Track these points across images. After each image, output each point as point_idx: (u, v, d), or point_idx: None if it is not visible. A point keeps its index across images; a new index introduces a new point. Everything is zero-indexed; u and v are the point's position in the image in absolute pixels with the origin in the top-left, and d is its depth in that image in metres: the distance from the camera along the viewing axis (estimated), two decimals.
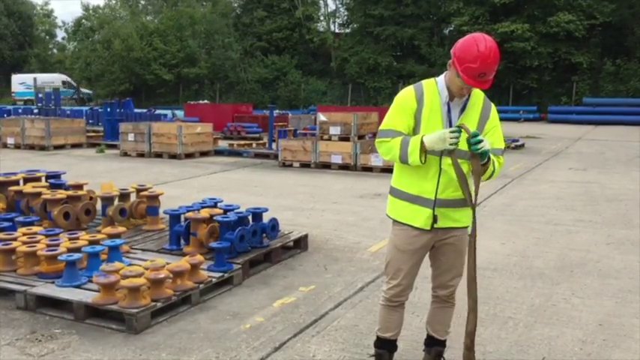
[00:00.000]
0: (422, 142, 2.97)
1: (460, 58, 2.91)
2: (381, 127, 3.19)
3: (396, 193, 3.24)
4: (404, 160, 3.05)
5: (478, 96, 3.14)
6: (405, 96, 3.15)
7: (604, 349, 3.87)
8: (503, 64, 34.19)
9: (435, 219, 3.11)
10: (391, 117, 3.16)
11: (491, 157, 3.04)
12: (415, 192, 3.12)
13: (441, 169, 3.06)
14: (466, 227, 3.22)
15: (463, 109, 3.09)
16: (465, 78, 2.91)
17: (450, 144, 2.91)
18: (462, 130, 2.96)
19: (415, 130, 3.11)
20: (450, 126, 3.07)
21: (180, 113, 25.97)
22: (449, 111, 3.09)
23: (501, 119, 3.27)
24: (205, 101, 34.91)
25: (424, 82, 3.19)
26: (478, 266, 5.46)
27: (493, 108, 3.19)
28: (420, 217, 3.12)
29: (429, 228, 3.12)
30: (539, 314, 4.44)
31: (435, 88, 3.12)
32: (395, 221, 3.25)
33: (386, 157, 3.17)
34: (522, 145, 17.45)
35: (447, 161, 3.04)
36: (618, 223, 7.55)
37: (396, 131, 3.11)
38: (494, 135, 3.15)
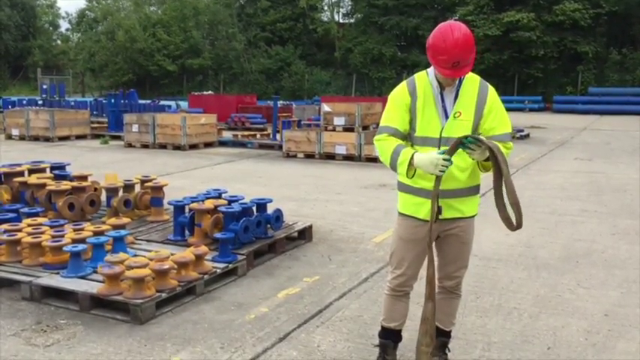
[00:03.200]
0: (412, 159, 2.96)
1: (432, 52, 2.93)
2: (379, 125, 3.20)
3: (401, 187, 3.24)
4: (393, 168, 3.07)
5: (473, 81, 3.10)
6: (398, 92, 3.16)
7: (609, 339, 3.86)
8: (508, 54, 34.17)
9: (439, 210, 3.09)
10: (386, 114, 3.17)
11: (496, 144, 2.96)
12: (418, 185, 3.10)
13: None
14: (471, 217, 3.20)
15: (456, 97, 3.06)
16: (441, 70, 2.93)
17: (440, 171, 2.87)
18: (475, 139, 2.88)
19: (412, 123, 3.10)
20: (446, 116, 3.04)
21: (184, 104, 25.97)
22: (442, 100, 3.07)
23: (506, 109, 3.19)
24: (209, 92, 34.88)
25: (416, 75, 3.19)
26: (482, 257, 5.49)
27: (491, 90, 3.11)
28: (423, 208, 3.10)
29: (433, 219, 3.10)
30: (544, 304, 4.43)
31: (426, 79, 3.12)
32: (400, 212, 3.25)
33: (381, 158, 3.16)
34: (527, 136, 17.39)
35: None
36: (623, 213, 7.52)
37: (391, 127, 3.11)
38: (496, 119, 3.07)
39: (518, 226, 3.00)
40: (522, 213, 2.94)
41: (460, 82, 3.06)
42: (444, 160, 2.86)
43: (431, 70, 3.11)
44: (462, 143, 2.88)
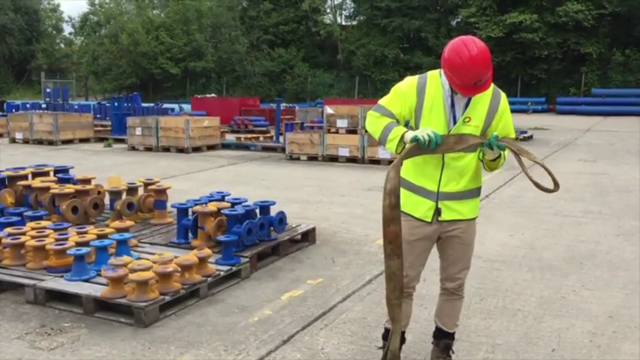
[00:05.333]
0: (402, 136, 2.94)
1: (451, 75, 2.86)
2: (378, 103, 3.17)
3: (402, 183, 3.22)
4: (382, 142, 3.07)
5: None
6: (407, 86, 3.12)
7: (614, 341, 3.84)
8: (511, 55, 34.11)
9: (438, 212, 3.08)
10: (389, 98, 3.14)
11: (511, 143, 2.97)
12: (418, 183, 3.10)
13: (443, 162, 3.04)
14: (472, 219, 3.19)
15: (468, 102, 3.03)
16: (464, 91, 2.89)
17: (423, 137, 2.79)
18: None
19: (415, 123, 3.08)
20: (454, 121, 3.02)
21: (187, 107, 26.00)
22: (452, 105, 3.03)
23: (510, 110, 3.21)
24: (212, 95, 34.91)
25: (429, 73, 3.13)
26: (487, 258, 5.48)
27: (503, 97, 3.10)
28: (420, 207, 3.10)
29: (429, 220, 3.10)
30: (549, 306, 4.42)
31: (439, 80, 3.06)
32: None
33: (368, 128, 3.15)
34: (531, 137, 17.35)
35: (450, 155, 3.01)
36: (628, 214, 7.50)
37: (388, 110, 3.09)
38: (505, 127, 3.08)
39: (556, 185, 3.03)
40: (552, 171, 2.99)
41: None
42: (432, 132, 2.82)
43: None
44: (488, 144, 2.91)
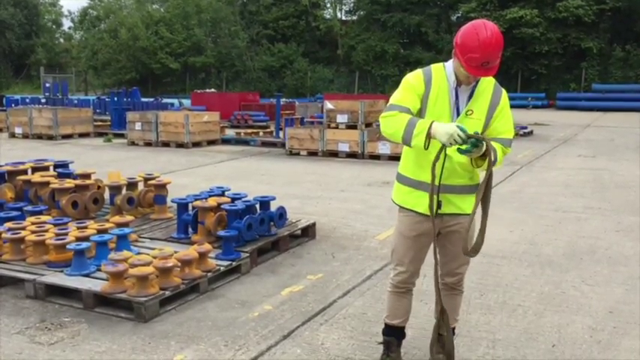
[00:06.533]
0: (430, 127, 2.87)
1: (462, 49, 2.87)
2: (388, 104, 3.12)
3: (401, 178, 3.23)
4: (406, 140, 2.93)
5: (489, 81, 3.09)
6: (414, 78, 3.10)
7: (614, 336, 3.85)
8: (511, 50, 34.06)
9: (439, 205, 3.09)
10: (399, 94, 3.09)
11: (494, 145, 2.95)
12: (419, 178, 3.10)
13: (446, 154, 3.03)
14: (470, 215, 3.18)
15: (471, 96, 3.05)
16: (469, 68, 2.88)
17: (451, 143, 2.80)
18: (472, 136, 2.85)
19: (421, 114, 3.07)
20: (458, 112, 3.03)
21: (187, 102, 25.97)
22: (456, 97, 3.05)
23: (510, 106, 3.20)
24: (212, 90, 34.86)
25: (433, 66, 3.14)
26: (487, 254, 5.47)
27: (504, 94, 3.12)
28: (423, 202, 3.10)
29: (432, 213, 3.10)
30: (549, 302, 4.42)
31: (443, 73, 3.08)
32: (400, 207, 3.24)
33: (387, 131, 3.02)
34: (531, 133, 17.35)
35: (453, 147, 3.00)
36: (628, 210, 7.50)
37: (403, 106, 3.03)
38: (503, 123, 3.09)
39: (474, 251, 3.03)
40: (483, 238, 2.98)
41: (477, 81, 3.04)
42: (459, 135, 2.78)
43: (449, 64, 3.08)
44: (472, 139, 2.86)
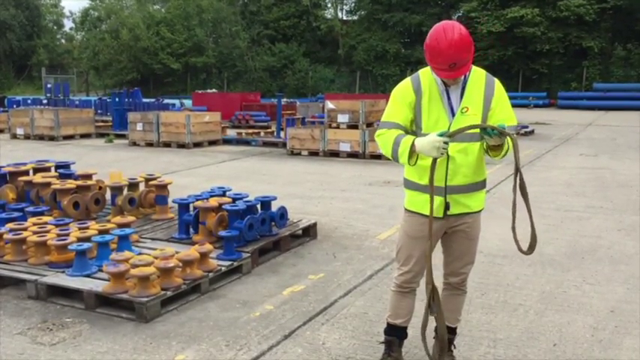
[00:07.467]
0: (412, 146, 2.93)
1: (428, 56, 2.92)
2: (380, 121, 3.18)
3: (408, 184, 3.23)
4: (395, 158, 3.04)
5: (479, 75, 3.08)
6: (403, 89, 3.12)
7: (615, 335, 3.84)
8: (512, 50, 34.10)
9: (447, 206, 3.09)
10: (389, 109, 3.15)
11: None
12: (425, 182, 3.09)
13: (448, 156, 3.03)
14: (478, 212, 3.19)
15: (462, 94, 3.04)
16: (438, 72, 2.93)
17: (441, 153, 2.84)
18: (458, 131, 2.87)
19: (417, 121, 3.08)
20: (453, 112, 3.03)
21: (188, 102, 25.99)
22: (448, 97, 3.05)
23: (511, 105, 3.19)
24: (213, 90, 34.89)
25: (421, 71, 3.15)
26: (488, 253, 5.48)
27: (497, 83, 3.10)
28: (429, 205, 3.09)
29: (441, 215, 3.10)
30: (550, 301, 4.42)
31: (431, 76, 3.08)
32: (406, 209, 3.24)
33: (383, 150, 3.13)
34: (532, 132, 17.33)
35: (454, 148, 3.00)
36: (629, 209, 7.49)
37: (393, 123, 3.08)
38: (503, 111, 3.07)
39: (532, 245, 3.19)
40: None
41: (466, 78, 3.04)
42: (444, 142, 2.83)
43: None
44: (484, 131, 2.87)
